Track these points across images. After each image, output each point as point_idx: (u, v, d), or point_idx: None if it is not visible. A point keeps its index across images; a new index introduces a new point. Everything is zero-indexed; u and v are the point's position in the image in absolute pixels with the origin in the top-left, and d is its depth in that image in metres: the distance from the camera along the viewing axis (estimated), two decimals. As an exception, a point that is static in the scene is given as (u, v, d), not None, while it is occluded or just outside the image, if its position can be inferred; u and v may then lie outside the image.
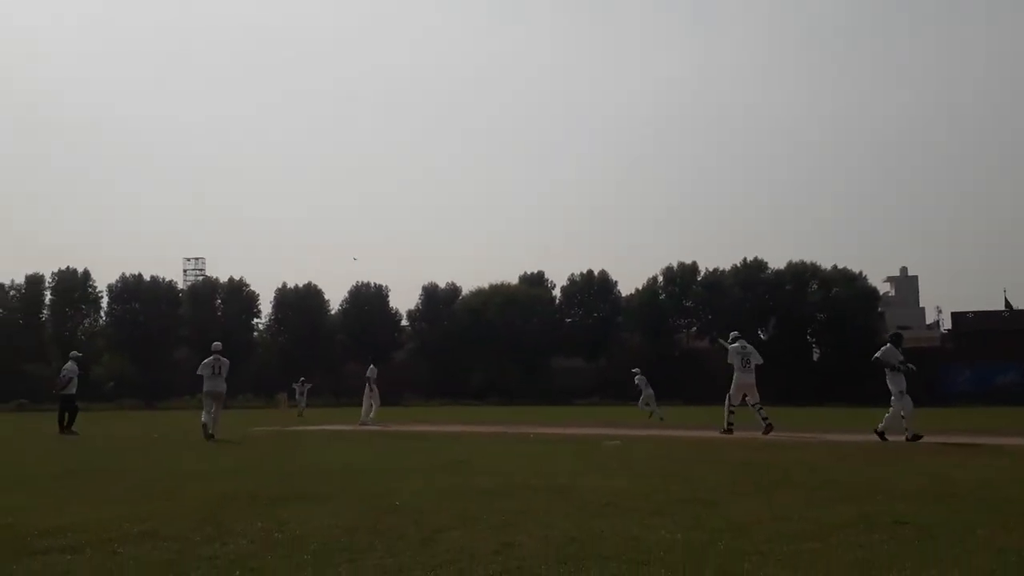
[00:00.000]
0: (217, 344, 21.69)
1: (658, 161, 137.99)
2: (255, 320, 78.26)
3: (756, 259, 71.15)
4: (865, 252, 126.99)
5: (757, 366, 19.13)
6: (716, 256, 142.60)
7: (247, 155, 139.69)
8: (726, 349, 20.05)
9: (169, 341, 74.99)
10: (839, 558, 5.12)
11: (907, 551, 5.35)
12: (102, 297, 76.28)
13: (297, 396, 41.56)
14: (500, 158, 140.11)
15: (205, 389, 20.67)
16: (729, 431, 18.33)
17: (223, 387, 21.00)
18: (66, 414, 22.83)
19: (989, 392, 63.24)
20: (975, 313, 71.46)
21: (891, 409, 16.80)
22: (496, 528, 6.26)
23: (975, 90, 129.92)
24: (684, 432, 19.84)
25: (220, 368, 20.94)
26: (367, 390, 29.03)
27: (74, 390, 23.27)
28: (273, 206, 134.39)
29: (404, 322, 76.62)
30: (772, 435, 17.48)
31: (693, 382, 66.39)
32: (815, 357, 69.98)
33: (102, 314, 76.92)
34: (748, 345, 19.49)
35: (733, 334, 20.60)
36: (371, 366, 29.86)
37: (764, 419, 18.51)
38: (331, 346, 73.62)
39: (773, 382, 65.42)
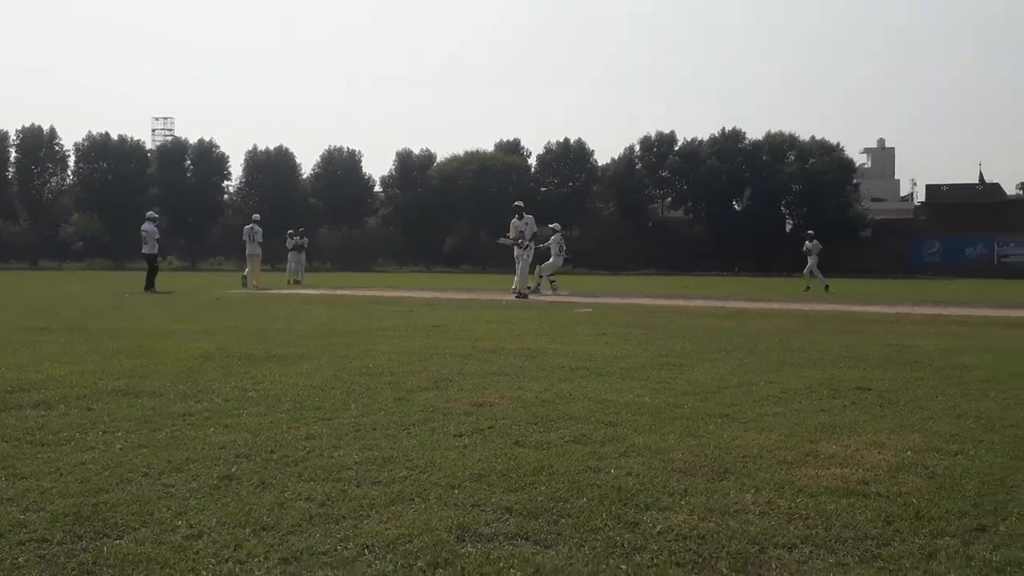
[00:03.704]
0: (256, 215, 28.80)
1: (638, 26, 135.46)
2: (225, 183, 77.41)
3: (734, 129, 70.65)
4: (844, 123, 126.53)
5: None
6: (695, 126, 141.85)
7: (217, 10, 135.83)
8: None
9: (138, 201, 74.12)
10: (802, 421, 5.25)
11: (869, 416, 5.49)
12: (69, 156, 75.01)
13: (291, 256, 34.22)
14: (479, 17, 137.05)
15: (247, 252, 26.82)
16: (524, 296, 20.75)
17: (258, 250, 26.85)
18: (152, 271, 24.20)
19: (958, 264, 64.04)
20: (949, 186, 71.74)
21: None
22: (468, 390, 6.36)
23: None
24: (653, 300, 20.02)
25: (254, 235, 26.88)
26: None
27: (155, 250, 24.46)
28: (243, 64, 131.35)
29: (377, 188, 76.11)
30: (695, 303, 18.25)
31: (667, 252, 66.91)
32: (788, 228, 70.40)
33: (69, 173, 75.78)
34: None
35: (553, 225, 24.80)
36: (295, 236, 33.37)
37: (552, 283, 23.72)
38: (303, 210, 73.15)
39: (747, 253, 66.13)
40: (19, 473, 3.88)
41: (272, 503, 3.43)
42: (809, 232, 31.91)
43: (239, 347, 9.30)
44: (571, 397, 6.03)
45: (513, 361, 8.17)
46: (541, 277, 24.47)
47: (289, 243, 34.01)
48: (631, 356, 8.73)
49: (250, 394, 6.13)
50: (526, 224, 21.32)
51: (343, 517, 3.28)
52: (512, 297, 20.10)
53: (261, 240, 27.48)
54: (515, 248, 21.57)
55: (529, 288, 23.50)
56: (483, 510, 3.36)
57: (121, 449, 4.37)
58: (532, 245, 21.64)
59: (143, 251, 24.59)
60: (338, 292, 23.89)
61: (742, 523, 3.26)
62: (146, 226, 24.65)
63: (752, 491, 3.65)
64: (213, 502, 3.46)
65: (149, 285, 23.56)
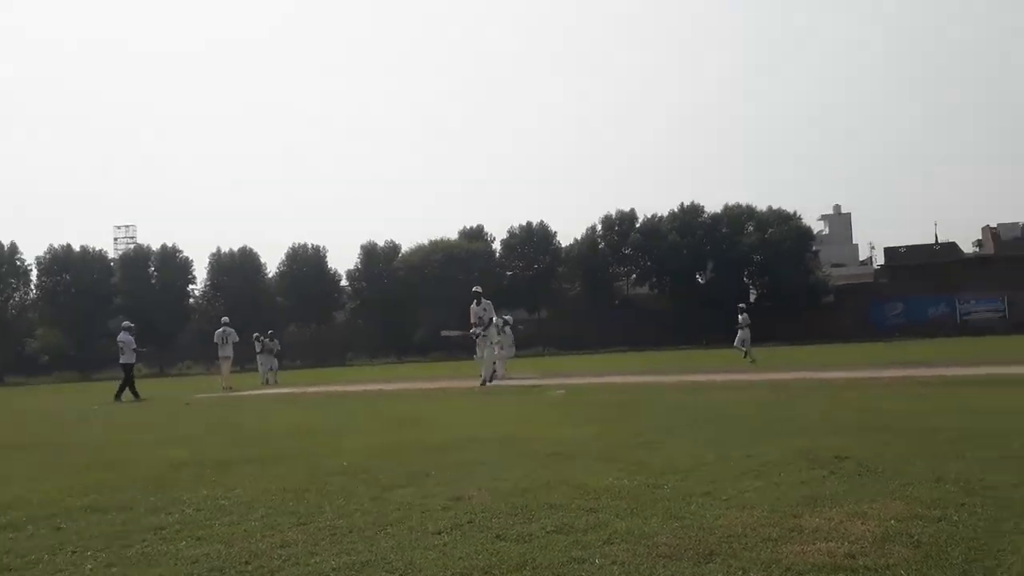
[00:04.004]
0: (225, 318, 29.44)
1: (595, 104, 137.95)
2: (191, 287, 77.22)
3: (693, 203, 71.76)
4: (800, 190, 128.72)
5: None
6: (654, 203, 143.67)
7: (172, 114, 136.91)
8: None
9: (103, 311, 73.63)
10: (783, 495, 5.21)
11: (849, 486, 5.46)
12: (31, 270, 74.65)
13: (261, 360, 33.87)
14: (438, 105, 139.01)
15: (220, 354, 28.05)
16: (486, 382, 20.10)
17: (230, 352, 28.26)
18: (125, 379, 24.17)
19: (922, 325, 64.67)
20: (907, 247, 72.86)
21: None
22: (445, 483, 6.27)
23: (905, 24, 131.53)
24: (624, 378, 20.01)
25: (226, 337, 27.98)
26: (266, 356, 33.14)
27: (133, 359, 24.46)
28: (202, 168, 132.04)
29: (344, 282, 76.16)
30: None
31: (635, 328, 67.12)
32: (752, 298, 70.96)
33: (32, 287, 75.34)
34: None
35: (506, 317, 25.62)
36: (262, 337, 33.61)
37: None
38: (270, 309, 72.88)
39: (712, 324, 66.44)
40: (-14, 603, 3.76)
41: (249, 617, 3.34)
42: (740, 306, 33.24)
43: (211, 453, 9.14)
44: (550, 484, 5.95)
45: (489, 449, 8.09)
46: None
47: (257, 346, 33.65)
48: (606, 437, 8.68)
49: (222, 502, 6.00)
50: (484, 309, 21.08)
51: (324, 628, 3.19)
52: (479, 385, 19.85)
53: (237, 340, 28.71)
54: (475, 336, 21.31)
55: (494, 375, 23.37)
56: (467, 611, 3.29)
57: (91, 569, 4.25)
58: (490, 330, 21.19)
59: (120, 361, 24.43)
60: (309, 390, 23.69)
61: (731, 607, 3.20)
62: (122, 336, 24.63)
63: (739, 572, 3.59)
64: (188, 621, 3.36)
65: (120, 393, 23.50)
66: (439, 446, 8.57)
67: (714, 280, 69.00)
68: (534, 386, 18.99)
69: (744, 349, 30.80)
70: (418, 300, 67.93)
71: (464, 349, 61.61)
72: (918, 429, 8.13)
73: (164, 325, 68.92)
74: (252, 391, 25.45)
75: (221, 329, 28.50)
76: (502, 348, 24.73)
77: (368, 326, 73.43)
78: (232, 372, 28.94)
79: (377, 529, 4.82)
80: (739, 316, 32.03)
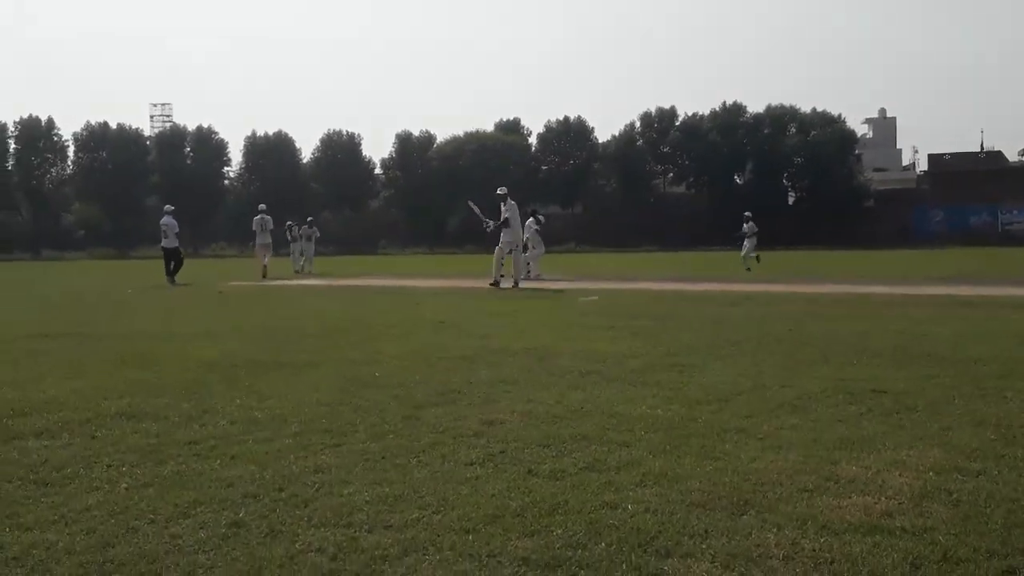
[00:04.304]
0: (262, 205, 29.74)
1: (639, 3, 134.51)
2: (225, 168, 77.45)
3: (735, 103, 70.38)
4: (845, 94, 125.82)
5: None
6: (695, 101, 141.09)
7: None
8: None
9: (139, 189, 74.21)
10: (820, 436, 5.14)
11: (887, 427, 5.38)
12: (68, 146, 75.11)
13: (296, 244, 33.83)
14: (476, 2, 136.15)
15: (258, 242, 28.49)
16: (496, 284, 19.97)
17: (269, 239, 28.42)
18: (171, 263, 24.44)
19: (962, 233, 63.77)
20: (951, 155, 71.40)
21: None
22: (477, 404, 6.26)
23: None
24: (659, 285, 19.91)
25: (265, 225, 28.24)
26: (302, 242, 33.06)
27: (176, 243, 24.79)
28: (241, 49, 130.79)
29: (378, 170, 75.99)
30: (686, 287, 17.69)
31: (669, 228, 66.66)
32: (790, 201, 70.14)
33: (69, 163, 75.89)
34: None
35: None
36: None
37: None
38: (305, 195, 72.99)
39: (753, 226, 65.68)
40: (24, 523, 3.79)
41: (282, 557, 3.34)
42: (747, 214, 31.71)
43: (243, 353, 9.22)
44: (583, 411, 5.92)
45: (522, 364, 8.07)
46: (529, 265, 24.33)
47: (288, 235, 33.62)
48: (640, 355, 8.63)
49: (256, 414, 6.03)
50: (508, 211, 20.54)
51: (356, 575, 3.18)
52: (510, 286, 19.64)
53: (273, 228, 28.93)
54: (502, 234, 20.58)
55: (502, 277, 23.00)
56: (500, 561, 3.27)
57: (127, 489, 4.27)
58: (514, 230, 20.63)
59: (162, 245, 24.94)
60: (342, 283, 23.80)
61: (766, 572, 3.16)
62: (165, 219, 25.15)
63: (774, 529, 3.54)
64: (222, 556, 3.36)
65: (175, 273, 24.19)
66: (471, 356, 8.56)
67: (752, 181, 68.12)
68: (566, 290, 18.95)
69: (747, 256, 29.94)
70: (452, 191, 67.60)
71: (496, 240, 61.26)
72: (959, 360, 8.01)
73: (198, 206, 69.21)
74: (286, 280, 25.64)
75: (259, 216, 28.71)
76: (533, 248, 24.58)
77: (401, 215, 73.45)
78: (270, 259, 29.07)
79: (410, 456, 4.81)
80: (744, 225, 30.94)
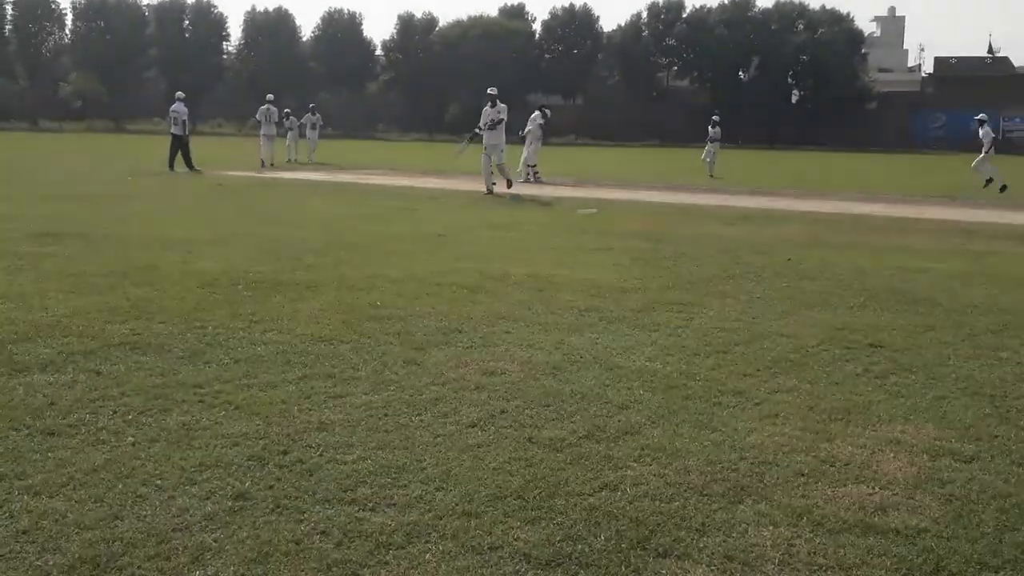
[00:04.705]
0: (270, 96, 30.79)
1: None
2: (224, 44, 76.26)
3: (745, -4, 68.98)
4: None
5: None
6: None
7: None
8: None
9: (137, 61, 73.23)
10: (816, 404, 5.21)
11: (883, 395, 5.44)
12: (66, 15, 73.85)
13: (292, 133, 32.80)
14: None
15: (262, 132, 29.20)
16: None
17: (274, 131, 29.16)
18: (175, 151, 24.57)
19: (962, 139, 63.37)
20: (957, 59, 70.47)
21: None
22: (478, 347, 6.31)
23: None
24: (659, 196, 19.86)
25: (270, 116, 29.05)
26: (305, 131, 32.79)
27: (184, 131, 24.73)
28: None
29: (378, 52, 74.83)
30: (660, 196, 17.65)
31: (670, 122, 66.05)
32: (794, 100, 69.49)
33: (67, 32, 74.71)
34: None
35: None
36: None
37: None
38: (303, 74, 72.01)
39: (752, 124, 65.24)
40: (32, 486, 3.84)
41: (288, 541, 3.41)
42: (714, 118, 30.60)
43: (244, 267, 9.25)
44: (582, 361, 5.98)
45: (522, 298, 8.10)
46: (529, 168, 24.16)
47: (287, 123, 32.53)
48: (639, 288, 8.68)
49: (259, 350, 6.08)
50: (498, 112, 19.75)
51: (361, 566, 3.26)
52: (507, 189, 19.41)
53: (277, 120, 29.64)
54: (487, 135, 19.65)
55: (530, 174, 23.40)
56: (501, 556, 3.34)
57: (133, 445, 4.33)
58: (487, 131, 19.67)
59: (172, 131, 24.86)
60: (340, 178, 23.68)
61: (762, 577, 3.25)
62: (176, 106, 24.99)
63: (770, 527, 3.62)
64: (228, 537, 3.43)
65: (172, 163, 24.36)
66: (470, 286, 8.58)
67: (757, 78, 67.35)
68: (565, 199, 18.91)
69: (710, 164, 29.42)
70: (453, 77, 66.73)
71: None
72: (956, 308, 8.08)
73: (197, 80, 68.32)
74: (283, 173, 25.54)
75: (265, 107, 29.30)
76: (530, 143, 24.35)
77: (401, 99, 72.64)
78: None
79: (412, 414, 4.87)
80: (710, 128, 29.96)
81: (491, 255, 10.66)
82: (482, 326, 6.95)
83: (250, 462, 4.16)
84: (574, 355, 6.15)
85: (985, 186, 23.53)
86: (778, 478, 4.12)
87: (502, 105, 19.91)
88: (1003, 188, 22.96)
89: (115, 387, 5.23)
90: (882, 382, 5.72)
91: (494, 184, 19.45)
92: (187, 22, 74.52)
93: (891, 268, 10.25)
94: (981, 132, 24.90)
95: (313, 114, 33.18)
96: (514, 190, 19.68)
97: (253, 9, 74.61)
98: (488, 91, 20.42)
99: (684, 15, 69.03)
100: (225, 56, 77.10)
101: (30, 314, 6.95)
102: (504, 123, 19.77)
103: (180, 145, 24.55)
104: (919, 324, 7.37)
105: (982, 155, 24.32)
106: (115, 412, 4.82)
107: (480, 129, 19.73)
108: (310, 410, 4.91)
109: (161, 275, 8.76)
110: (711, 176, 27.90)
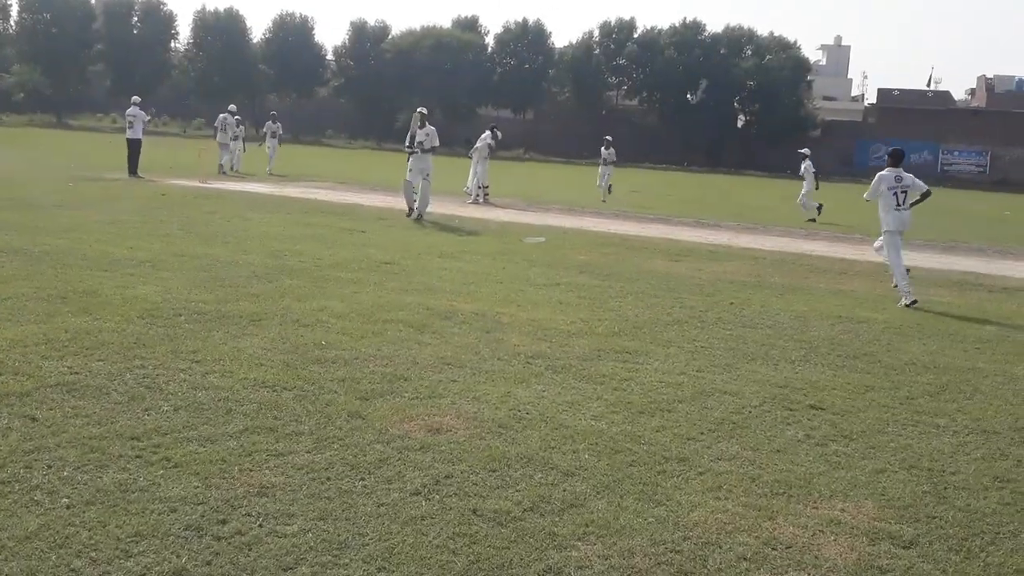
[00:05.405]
0: (232, 106, 30.82)
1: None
2: (173, 43, 75.25)
3: (695, 20, 70.18)
4: (802, 19, 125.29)
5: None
6: (655, 15, 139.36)
7: None
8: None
9: (83, 56, 72.00)
10: (759, 475, 5.25)
11: (824, 465, 5.50)
12: (11, 5, 72.36)
13: (268, 140, 31.77)
14: None
15: (217, 139, 29.69)
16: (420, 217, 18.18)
17: (227, 139, 29.18)
18: (135, 157, 24.47)
19: (904, 170, 64.54)
20: (900, 91, 71.85)
21: None
22: (424, 398, 6.27)
23: None
24: (605, 225, 19.97)
25: (226, 125, 29.24)
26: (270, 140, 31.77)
27: (140, 135, 24.70)
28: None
29: (329, 57, 74.34)
30: (688, 234, 17.78)
31: (618, 141, 66.43)
32: (739, 124, 70.33)
33: (12, 23, 73.12)
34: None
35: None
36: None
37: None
38: (252, 76, 71.28)
39: (698, 146, 65.87)
40: (-40, 557, 3.74)
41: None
42: (607, 139, 30.09)
43: (186, 294, 9.11)
44: (528, 419, 5.96)
45: (469, 340, 8.06)
46: (480, 188, 23.98)
47: (229, 132, 29.89)
48: (586, 332, 8.71)
49: (200, 395, 5.98)
50: (427, 135, 18.44)
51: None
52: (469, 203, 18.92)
53: (237, 132, 29.75)
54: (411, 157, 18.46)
55: (480, 194, 23.37)
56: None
57: (68, 508, 4.22)
58: (422, 152, 18.35)
59: (127, 136, 24.78)
60: (287, 192, 23.43)
61: None
62: (132, 110, 25.16)
63: (712, 622, 3.64)
64: (166, 623, 3.36)
65: (132, 170, 24.10)
66: (418, 325, 8.52)
67: (704, 101, 68.06)
68: (513, 224, 18.92)
69: (604, 189, 28.72)
70: (404, 86, 66.44)
71: (445, 142, 60.35)
72: (895, 365, 8.23)
73: (144, 78, 67.29)
74: (231, 184, 25.29)
75: (224, 115, 29.57)
76: (478, 162, 23.94)
77: (350, 106, 72.17)
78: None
79: (355, 478, 4.82)
80: (603, 150, 29.53)
81: (438, 287, 10.62)
82: (428, 372, 6.91)
83: (187, 532, 4.08)
84: (520, 410, 6.13)
85: (815, 219, 24.28)
86: (721, 562, 4.14)
87: (431, 128, 18.62)
88: (813, 217, 24.36)
89: (51, 436, 5.11)
90: (823, 450, 5.79)
91: (415, 205, 18.35)
92: (136, 19, 73.36)
93: (831, 317, 10.40)
94: (803, 166, 25.52)
95: (274, 122, 31.88)
96: (470, 211, 19.68)
97: (203, 8, 73.57)
98: (418, 110, 19.17)
99: (635, 35, 69.55)
100: (173, 54, 76.07)
101: (-40, 345, 6.77)
102: (433, 148, 18.64)
103: (134, 148, 24.33)
104: (859, 384, 7.48)
105: (806, 190, 25.08)
106: (50, 467, 4.71)
107: (407, 149, 18.63)
108: (251, 470, 4.83)
109: (101, 301, 8.58)
110: (603, 201, 27.26)
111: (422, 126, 18.47)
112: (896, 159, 12.45)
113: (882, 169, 12.51)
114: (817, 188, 24.91)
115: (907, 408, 6.86)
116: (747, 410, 6.52)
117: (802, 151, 26.20)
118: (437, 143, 18.76)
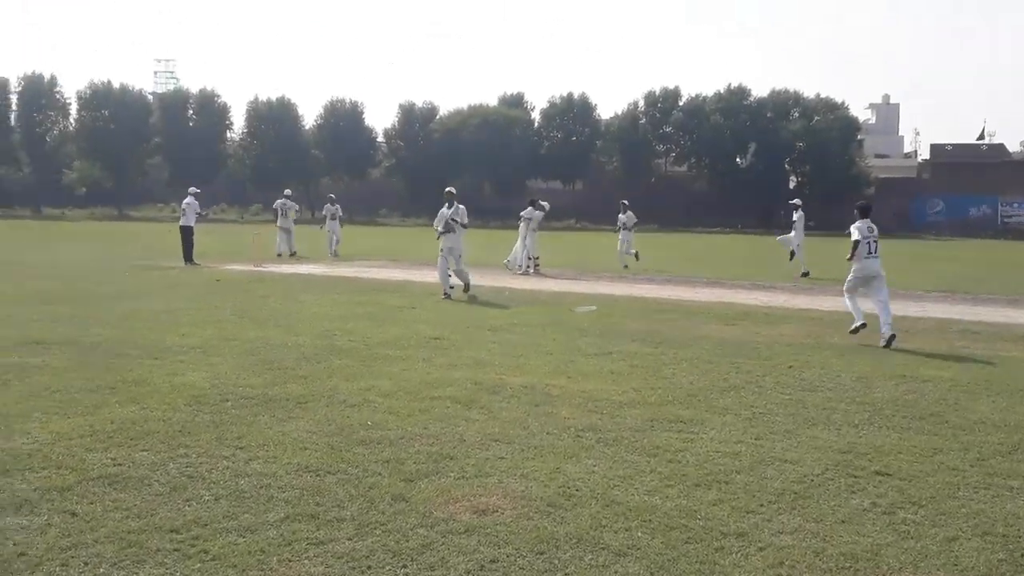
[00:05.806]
0: (288, 191, 32.25)
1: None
2: (228, 133, 77.19)
3: (739, 86, 70.09)
4: (849, 79, 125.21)
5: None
6: (699, 83, 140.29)
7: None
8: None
9: (140, 149, 74.07)
10: (823, 548, 4.98)
11: (892, 535, 5.21)
12: (70, 104, 74.83)
13: (328, 223, 30.97)
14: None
15: (278, 224, 30.60)
16: (447, 295, 17.51)
17: (289, 224, 30.05)
18: (187, 244, 25.12)
19: (962, 223, 63.65)
20: (953, 145, 71.05)
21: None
22: (470, 477, 6.09)
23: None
24: (658, 291, 19.73)
25: (286, 210, 30.22)
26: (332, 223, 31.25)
27: (193, 222, 25.49)
28: (246, 11, 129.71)
29: (380, 139, 75.63)
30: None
31: (669, 208, 66.37)
32: (791, 185, 69.87)
33: (71, 120, 75.56)
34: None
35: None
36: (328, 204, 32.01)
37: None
38: (305, 161, 72.64)
39: (750, 209, 65.60)
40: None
41: None
42: (624, 203, 28.99)
43: (234, 379, 9.07)
44: (578, 496, 5.74)
45: (517, 415, 7.88)
46: (530, 259, 23.95)
47: (284, 218, 30.34)
48: (638, 402, 8.47)
49: (241, 483, 5.86)
50: (455, 213, 18.02)
51: None
52: (464, 293, 18.36)
53: (297, 214, 31.34)
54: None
55: (531, 265, 23.36)
56: None
57: (101, 607, 4.10)
58: (455, 229, 17.97)
59: (180, 223, 25.67)
60: (340, 272, 23.56)
61: None
62: (188, 200, 26.03)
63: None
64: None
65: (187, 258, 24.75)
66: (465, 400, 8.36)
67: (754, 165, 67.87)
68: (564, 294, 18.75)
69: (627, 254, 27.41)
70: (454, 164, 67.19)
71: (497, 215, 61.14)
72: (963, 425, 7.87)
73: (200, 168, 68.78)
74: (285, 267, 25.49)
75: (281, 200, 30.71)
76: (527, 235, 23.90)
77: (402, 185, 73.12)
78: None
79: (397, 566, 4.63)
80: (620, 215, 28.19)
81: (487, 360, 10.47)
82: (475, 450, 6.73)
83: (222, 635, 3.92)
84: (570, 487, 5.91)
85: (804, 275, 23.76)
86: (784, 648, 3.87)
87: (461, 207, 18.20)
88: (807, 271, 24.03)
89: (89, 532, 5.01)
90: (890, 519, 5.48)
91: (452, 288, 17.82)
92: (191, 111, 75.50)
93: (894, 376, 10.04)
94: (795, 215, 25.12)
95: (333, 204, 31.24)
96: (521, 283, 19.57)
97: (256, 98, 75.47)
98: (446, 190, 18.68)
99: (680, 103, 69.83)
100: (228, 143, 77.93)
101: (10, 441, 6.74)
102: (464, 227, 18.29)
103: (187, 235, 24.84)
104: (926, 446, 7.15)
105: (799, 241, 24.83)
106: (87, 563, 4.60)
107: (439, 231, 18.17)
108: (290, 560, 4.67)
109: (149, 390, 8.57)
110: (625, 267, 26.36)
111: (450, 206, 18.04)
112: (864, 212, 13.42)
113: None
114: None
115: (978, 470, 6.51)
116: (809, 479, 6.23)
117: (793, 201, 25.95)
118: (465, 220, 18.34)
